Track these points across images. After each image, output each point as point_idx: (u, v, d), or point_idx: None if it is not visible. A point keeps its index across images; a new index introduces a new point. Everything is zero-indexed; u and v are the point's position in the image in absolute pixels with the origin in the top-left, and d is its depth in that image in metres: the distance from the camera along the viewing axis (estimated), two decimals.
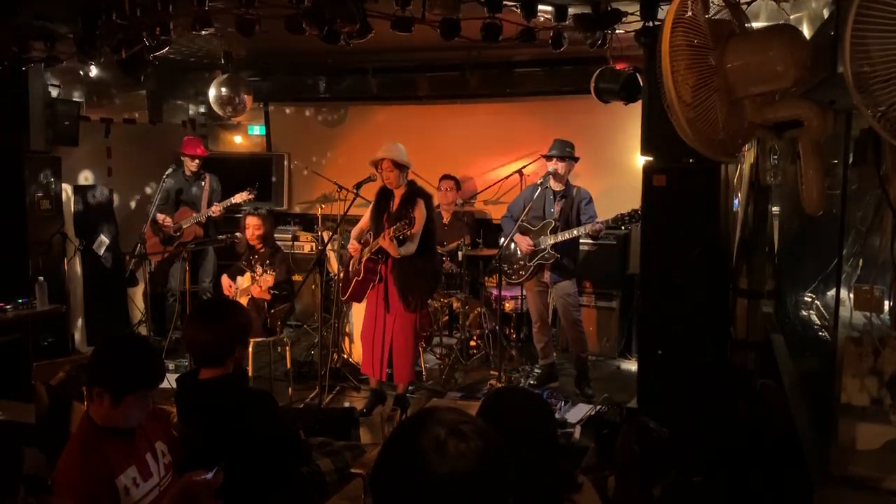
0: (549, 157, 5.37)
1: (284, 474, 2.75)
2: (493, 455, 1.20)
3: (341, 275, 5.30)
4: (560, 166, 5.32)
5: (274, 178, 7.62)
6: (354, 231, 5.06)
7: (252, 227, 5.48)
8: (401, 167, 4.75)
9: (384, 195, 4.88)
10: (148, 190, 7.16)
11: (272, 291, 5.28)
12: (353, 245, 5.02)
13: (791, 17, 3.00)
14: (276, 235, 7.05)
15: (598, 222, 5.13)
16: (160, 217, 6.22)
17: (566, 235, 5.29)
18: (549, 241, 5.31)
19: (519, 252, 5.45)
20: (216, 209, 6.22)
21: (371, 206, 4.94)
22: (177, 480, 2.39)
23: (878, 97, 1.64)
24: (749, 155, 4.08)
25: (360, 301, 5.17)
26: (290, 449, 2.81)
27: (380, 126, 7.36)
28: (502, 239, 5.56)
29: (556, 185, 5.39)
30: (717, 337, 4.07)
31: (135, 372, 2.28)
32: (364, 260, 4.89)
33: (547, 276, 5.44)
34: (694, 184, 4.02)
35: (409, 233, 4.54)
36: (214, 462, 2.30)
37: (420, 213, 4.67)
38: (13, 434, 1.89)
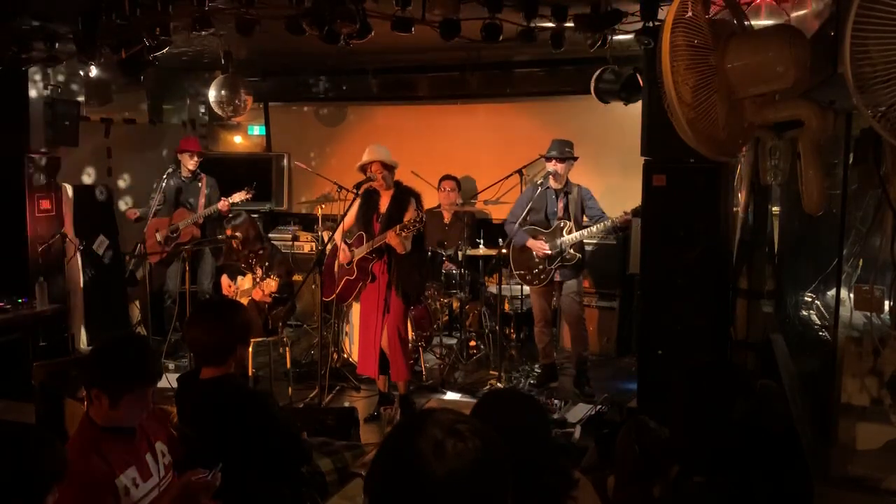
0: (548, 159, 5.36)
1: (284, 474, 2.75)
2: (491, 454, 1.20)
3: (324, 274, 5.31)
4: (560, 167, 5.31)
5: (274, 178, 7.62)
6: (338, 231, 5.06)
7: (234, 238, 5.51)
8: (389, 168, 4.78)
9: (371, 196, 4.90)
10: (148, 189, 7.15)
11: (274, 295, 5.30)
12: (343, 246, 5.03)
13: (791, 16, 3.00)
14: (276, 235, 7.10)
15: (625, 213, 5.10)
16: (151, 224, 6.21)
17: (585, 233, 5.30)
18: (567, 240, 5.30)
19: (536, 257, 5.42)
20: (224, 203, 6.19)
21: (357, 207, 4.94)
22: (176, 480, 2.39)
23: (878, 97, 1.65)
24: (749, 155, 4.08)
25: (345, 301, 5.23)
26: (290, 449, 2.81)
27: (380, 126, 7.36)
28: (504, 242, 5.57)
29: (555, 184, 5.38)
30: (717, 337, 4.07)
31: (130, 371, 2.28)
32: (357, 259, 4.90)
33: (557, 274, 5.43)
34: (694, 184, 4.02)
35: (420, 228, 4.60)
36: (214, 462, 2.31)
37: (414, 212, 4.73)
38: (48, 435, 1.89)
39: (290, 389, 5.30)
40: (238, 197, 6.16)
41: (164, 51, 4.64)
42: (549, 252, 5.32)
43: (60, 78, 5.87)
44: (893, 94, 1.63)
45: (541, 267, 5.40)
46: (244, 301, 5.26)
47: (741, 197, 4.45)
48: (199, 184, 6.50)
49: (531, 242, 5.38)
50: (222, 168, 7.01)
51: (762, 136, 3.16)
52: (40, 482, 1.75)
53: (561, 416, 4.51)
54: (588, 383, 5.44)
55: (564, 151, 5.33)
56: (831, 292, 2.70)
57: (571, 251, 5.32)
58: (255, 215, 6.58)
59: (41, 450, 1.79)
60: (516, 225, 5.39)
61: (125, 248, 6.41)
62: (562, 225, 5.35)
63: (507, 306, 6.22)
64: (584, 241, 5.51)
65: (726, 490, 2.04)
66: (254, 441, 2.62)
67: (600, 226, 5.25)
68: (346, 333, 5.86)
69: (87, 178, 6.67)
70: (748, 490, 2.06)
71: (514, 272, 5.55)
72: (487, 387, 5.44)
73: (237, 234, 5.44)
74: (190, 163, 6.45)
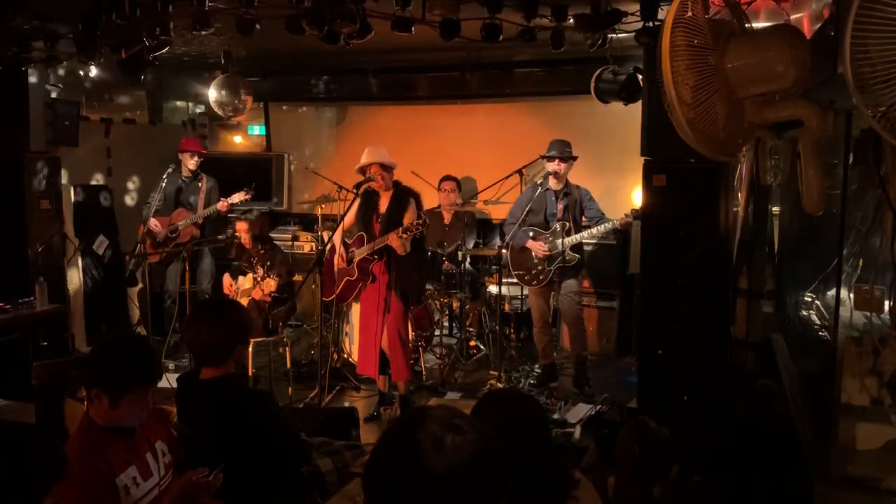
0: (549, 158, 5.36)
1: (284, 474, 2.75)
2: (490, 449, 1.20)
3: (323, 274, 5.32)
4: (560, 167, 5.31)
5: (274, 178, 7.62)
6: (337, 232, 5.06)
7: (241, 231, 5.62)
8: (388, 169, 4.79)
9: (370, 196, 4.90)
10: (148, 189, 7.14)
11: (274, 295, 5.31)
12: (340, 249, 5.03)
13: (791, 17, 3.01)
14: (276, 235, 7.09)
15: (625, 215, 5.12)
16: (152, 223, 6.20)
17: (585, 235, 5.31)
18: (568, 241, 5.29)
19: (535, 258, 5.41)
20: (223, 204, 6.20)
21: (357, 207, 4.94)
22: (177, 480, 2.39)
23: (878, 97, 1.65)
24: (749, 155, 4.08)
25: (346, 301, 5.25)
26: (290, 449, 2.81)
27: (380, 126, 7.36)
28: (501, 243, 5.57)
29: (555, 185, 5.38)
30: (717, 337, 4.07)
31: (130, 371, 2.28)
32: (357, 260, 4.90)
33: (556, 275, 5.42)
34: (694, 184, 4.02)
35: (423, 231, 4.59)
36: (215, 462, 2.31)
37: (413, 213, 4.74)
38: (48, 435, 1.89)
39: (290, 389, 5.30)
40: (237, 197, 6.17)
41: (164, 51, 4.64)
42: (549, 253, 5.32)
43: (60, 78, 5.88)
44: (893, 94, 1.63)
45: (540, 268, 5.40)
46: (244, 301, 5.26)
47: (741, 197, 4.45)
48: (199, 184, 6.50)
49: (531, 243, 5.38)
50: (222, 168, 7.01)
51: (762, 136, 3.16)
52: (39, 482, 1.75)
53: (561, 416, 4.50)
54: (588, 383, 5.44)
55: (564, 151, 5.33)
56: (831, 292, 2.70)
57: (571, 252, 5.32)
58: None
59: (41, 450, 1.79)
60: (516, 226, 5.39)
61: (125, 248, 6.41)
62: (560, 227, 5.35)
63: (506, 306, 6.22)
64: (584, 241, 5.52)
65: (726, 490, 2.04)
66: (254, 441, 2.62)
67: (601, 228, 5.26)
68: (346, 333, 5.86)
69: (87, 178, 6.67)
70: (748, 490, 2.06)
71: (513, 273, 5.55)
72: (487, 387, 5.44)
73: (251, 226, 5.54)
74: (190, 162, 6.45)
